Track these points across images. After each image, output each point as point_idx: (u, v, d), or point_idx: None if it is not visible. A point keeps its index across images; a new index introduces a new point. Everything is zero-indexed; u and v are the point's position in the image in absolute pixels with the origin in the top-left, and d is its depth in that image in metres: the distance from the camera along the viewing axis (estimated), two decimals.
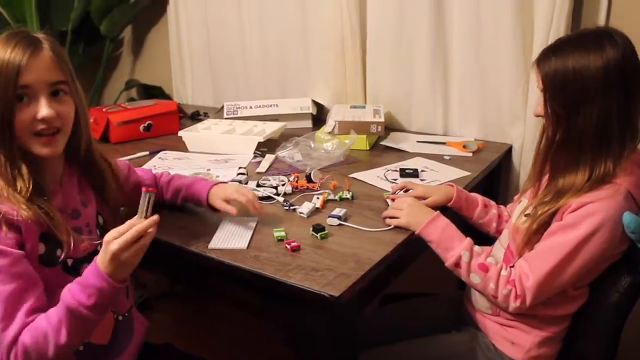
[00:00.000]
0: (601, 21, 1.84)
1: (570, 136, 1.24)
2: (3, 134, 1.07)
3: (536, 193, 1.35)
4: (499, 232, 1.53)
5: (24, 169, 1.09)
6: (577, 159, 1.23)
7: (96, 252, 1.20)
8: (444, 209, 1.49)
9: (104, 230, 1.26)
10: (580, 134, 1.22)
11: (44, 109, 1.09)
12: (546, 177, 1.34)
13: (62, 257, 1.13)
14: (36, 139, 1.11)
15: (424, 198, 1.49)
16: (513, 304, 1.25)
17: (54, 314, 1.06)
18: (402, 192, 1.56)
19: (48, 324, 1.04)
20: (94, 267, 1.07)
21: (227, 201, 1.40)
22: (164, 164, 1.92)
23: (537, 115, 1.33)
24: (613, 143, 1.21)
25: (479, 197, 1.58)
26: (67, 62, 1.15)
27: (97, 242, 1.21)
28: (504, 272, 1.27)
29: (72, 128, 1.18)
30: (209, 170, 1.78)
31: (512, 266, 1.29)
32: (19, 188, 1.07)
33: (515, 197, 1.55)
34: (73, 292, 1.06)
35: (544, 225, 1.25)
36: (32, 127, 1.09)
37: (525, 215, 1.32)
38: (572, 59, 1.21)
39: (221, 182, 1.52)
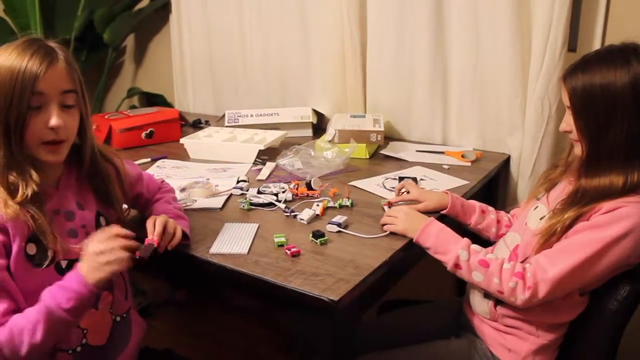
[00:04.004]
0: (598, 35, 1.87)
1: (601, 150, 1.25)
2: (10, 139, 1.10)
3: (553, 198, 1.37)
4: (499, 237, 1.54)
5: (28, 175, 1.12)
6: (609, 169, 1.24)
7: None
8: (442, 217, 1.50)
9: None
10: (611, 148, 1.23)
11: (54, 119, 1.12)
12: (564, 182, 1.37)
13: (49, 260, 1.14)
14: (43, 147, 1.14)
15: (417, 201, 1.51)
16: (522, 296, 1.24)
17: (33, 312, 1.07)
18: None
19: (26, 322, 1.06)
20: (75, 272, 1.10)
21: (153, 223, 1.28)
22: (162, 173, 1.92)
23: (564, 131, 1.34)
24: None
25: (476, 204, 1.59)
26: (78, 72, 1.18)
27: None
28: (506, 266, 1.27)
29: (77, 136, 1.21)
30: (208, 179, 1.78)
31: (523, 262, 1.30)
32: (15, 192, 1.09)
33: (522, 203, 1.56)
34: (53, 294, 1.08)
35: (567, 228, 1.25)
36: (41, 135, 1.13)
37: (541, 219, 1.33)
38: (598, 75, 1.22)
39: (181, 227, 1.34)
